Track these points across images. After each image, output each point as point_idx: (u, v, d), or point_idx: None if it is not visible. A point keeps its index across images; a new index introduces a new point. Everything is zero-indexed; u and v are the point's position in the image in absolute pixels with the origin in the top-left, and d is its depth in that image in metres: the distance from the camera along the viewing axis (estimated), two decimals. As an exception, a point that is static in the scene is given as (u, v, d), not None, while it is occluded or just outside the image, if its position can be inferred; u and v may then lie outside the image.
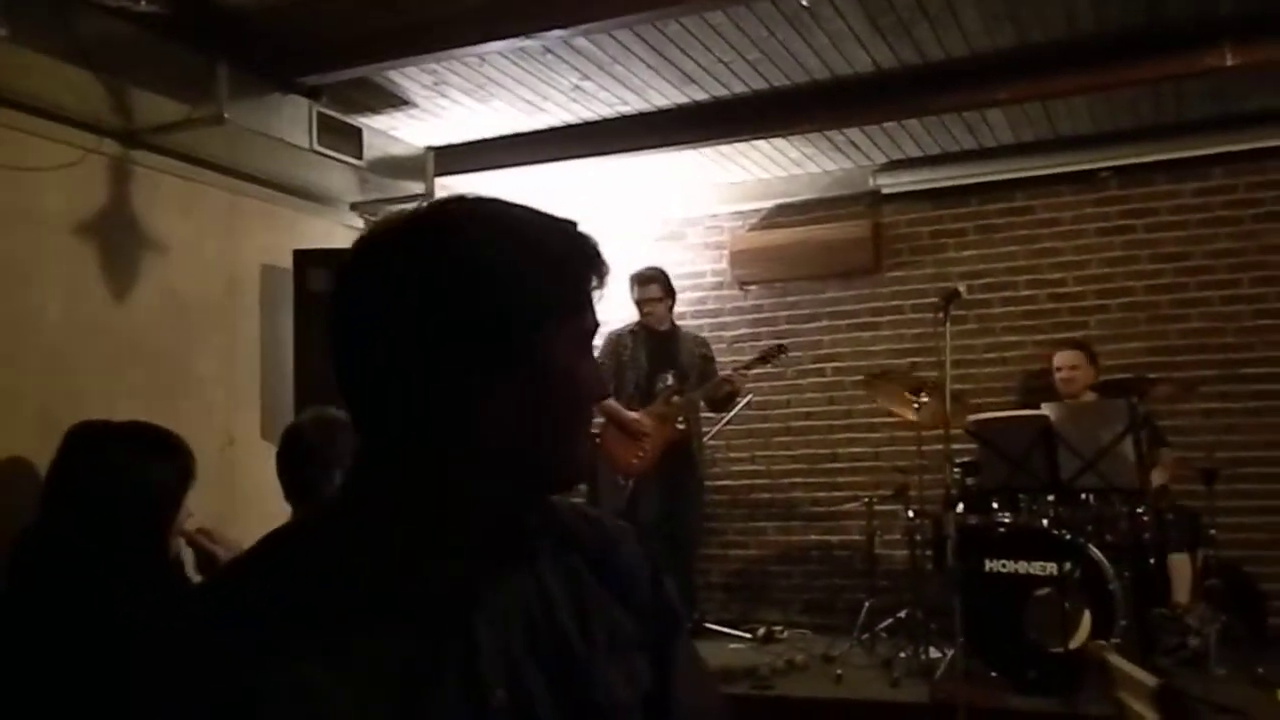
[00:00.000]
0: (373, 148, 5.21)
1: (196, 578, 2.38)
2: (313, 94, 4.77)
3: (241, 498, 4.63)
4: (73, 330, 4.20)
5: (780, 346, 5.86)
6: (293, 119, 4.70)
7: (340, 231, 5.58)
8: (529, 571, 1.08)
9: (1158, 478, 5.17)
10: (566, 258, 1.05)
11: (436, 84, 4.96)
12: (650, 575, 1.19)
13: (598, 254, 1.07)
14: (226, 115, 4.32)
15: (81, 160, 4.16)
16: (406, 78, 4.88)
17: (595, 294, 1.07)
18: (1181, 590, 5.01)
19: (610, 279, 1.09)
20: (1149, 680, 1.98)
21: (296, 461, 2.44)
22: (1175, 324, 5.95)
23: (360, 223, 5.71)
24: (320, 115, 4.80)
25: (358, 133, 5.06)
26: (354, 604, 0.98)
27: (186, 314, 4.72)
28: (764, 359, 5.79)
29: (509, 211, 1.07)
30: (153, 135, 4.43)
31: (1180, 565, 5.04)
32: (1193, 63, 4.63)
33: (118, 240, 4.38)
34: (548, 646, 1.05)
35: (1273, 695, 4.23)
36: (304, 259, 4.86)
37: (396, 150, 5.48)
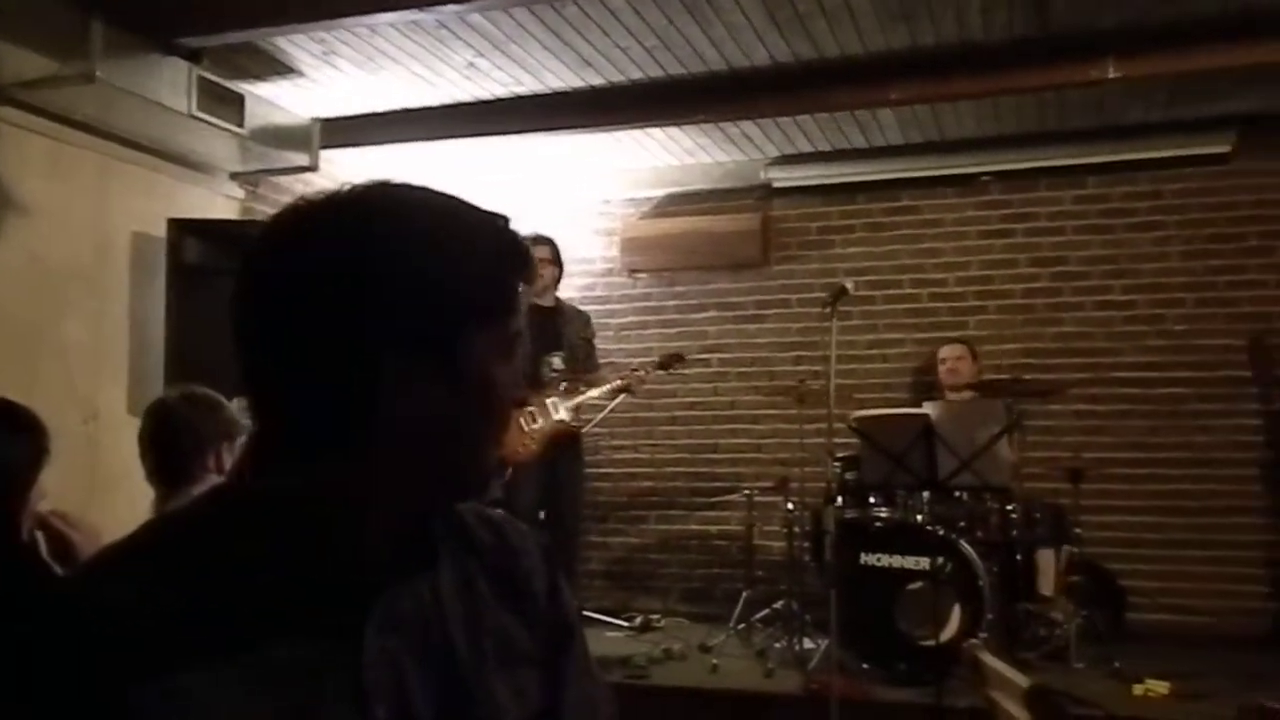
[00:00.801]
0: (256, 116, 5.02)
1: (53, 565, 2.25)
2: (193, 57, 4.57)
3: (104, 475, 4.43)
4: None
5: (678, 355, 5.78)
6: (171, 82, 4.49)
7: (220, 201, 5.37)
8: (426, 579, 1.02)
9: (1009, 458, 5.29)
10: (495, 258, 1.00)
11: (325, 53, 4.80)
12: (548, 585, 1.13)
13: (526, 254, 1.03)
14: (99, 74, 4.12)
15: (-61, 114, 3.93)
16: (294, 45, 4.71)
17: (521, 296, 1.02)
18: (1046, 585, 5.15)
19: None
20: (1021, 680, 2.01)
21: (165, 442, 2.31)
22: (1050, 327, 6.11)
23: (241, 193, 5.51)
24: (201, 79, 4.60)
25: (240, 99, 4.86)
26: (239, 608, 0.91)
27: (50, 280, 4.49)
28: (663, 365, 5.71)
29: (438, 203, 1.01)
30: (20, 91, 4.18)
31: (1046, 561, 5.18)
32: (1077, 73, 4.73)
33: (-21, 201, 4.15)
34: (436, 658, 1.00)
35: (1129, 689, 4.38)
36: (180, 228, 4.66)
37: (281, 120, 5.29)
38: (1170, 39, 4.57)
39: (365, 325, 0.92)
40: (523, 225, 5.75)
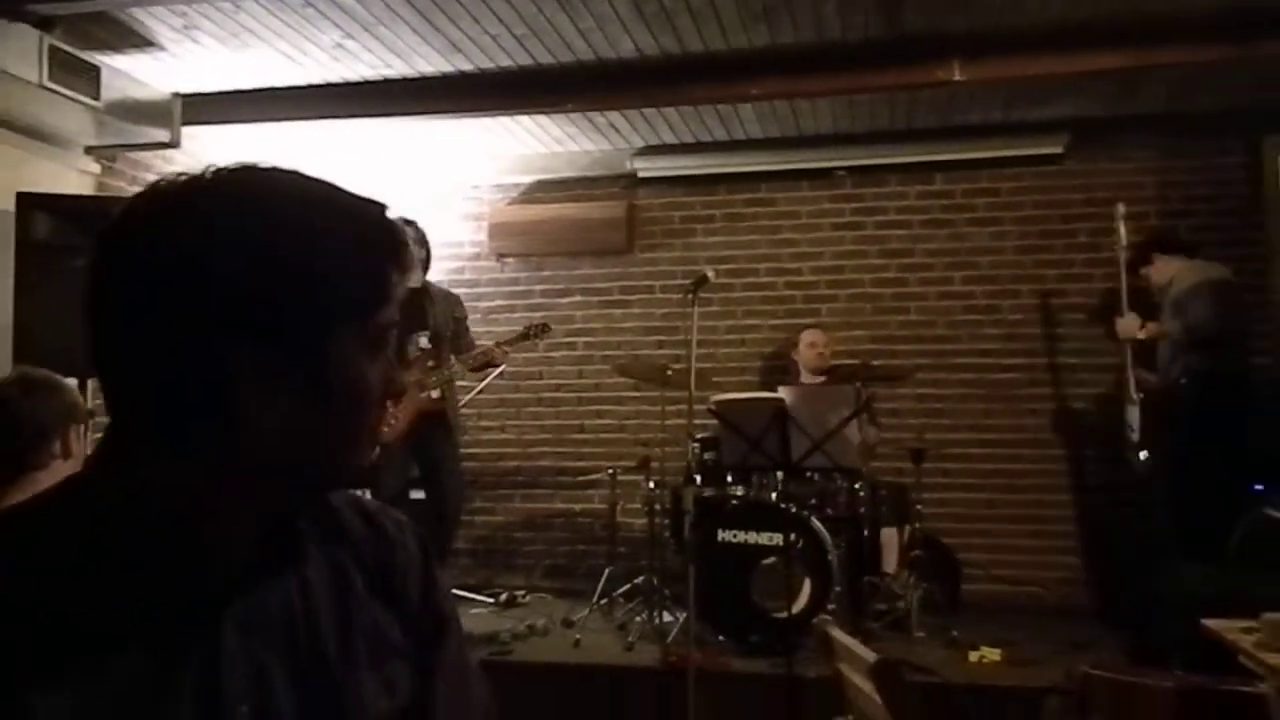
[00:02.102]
0: (112, 89, 4.72)
1: None
2: (45, 25, 4.26)
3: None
4: None
5: (545, 325, 5.63)
6: (20, 51, 4.18)
7: (73, 176, 5.06)
8: (292, 572, 0.95)
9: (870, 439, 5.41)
10: (368, 248, 0.92)
11: (186, 27, 4.55)
12: (422, 578, 1.06)
13: (401, 243, 0.95)
14: (-60, 40, 3.81)
15: None
16: (153, 17, 4.44)
17: (395, 288, 0.93)
18: (890, 561, 5.28)
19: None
20: (868, 655, 2.02)
21: (5, 431, 2.13)
22: (896, 315, 6.24)
23: (96, 168, 5.20)
24: (52, 48, 4.29)
25: (95, 71, 4.56)
26: (87, 615, 0.82)
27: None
28: (527, 335, 5.55)
29: (306, 189, 0.92)
30: None
31: (890, 538, 5.30)
32: (926, 75, 4.81)
33: None
34: (303, 654, 0.93)
35: (965, 656, 4.51)
36: (29, 202, 4.36)
37: (140, 94, 4.98)
38: (1011, 45, 4.68)
39: (222, 321, 0.83)
40: (390, 209, 5.65)
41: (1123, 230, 5.26)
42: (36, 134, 4.83)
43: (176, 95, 5.22)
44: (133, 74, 4.94)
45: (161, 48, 4.75)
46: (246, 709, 0.87)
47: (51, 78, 4.32)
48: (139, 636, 0.84)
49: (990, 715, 4.05)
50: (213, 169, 0.90)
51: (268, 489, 0.90)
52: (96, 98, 4.59)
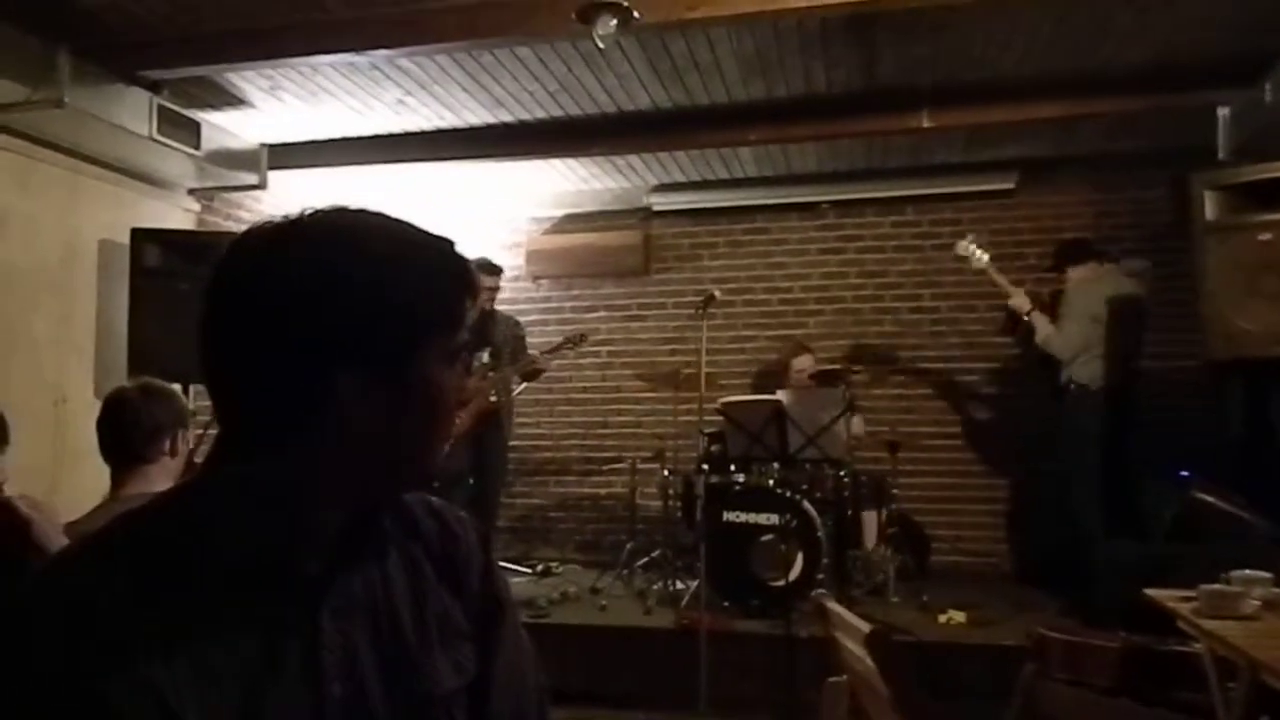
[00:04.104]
0: (210, 140, 4.73)
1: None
2: (154, 87, 4.27)
3: (71, 451, 4.15)
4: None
5: (582, 336, 5.61)
6: (133, 109, 4.19)
7: (178, 214, 5.08)
8: (377, 564, 0.93)
9: (855, 432, 5.35)
10: (445, 278, 0.90)
11: (272, 88, 4.55)
12: (482, 565, 1.04)
13: (473, 276, 0.95)
14: (67, 100, 3.81)
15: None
16: (244, 80, 4.45)
17: (467, 312, 0.93)
18: (870, 537, 5.24)
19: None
20: (862, 626, 1.98)
21: (122, 427, 2.13)
22: (873, 327, 6.19)
23: (197, 206, 5.21)
24: (160, 107, 4.31)
25: (196, 126, 4.58)
26: (203, 599, 0.81)
27: (22, 283, 4.18)
28: (568, 344, 5.53)
29: (392, 229, 0.90)
30: (-5, 114, 3.87)
31: (869, 518, 5.27)
32: (899, 123, 4.79)
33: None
34: (386, 638, 0.91)
35: (935, 617, 4.47)
36: (141, 236, 4.37)
37: (233, 144, 5.00)
38: (970, 97, 4.65)
39: (325, 340, 0.82)
40: (474, 251, 5.57)
41: (972, 258, 5.18)
42: (147, 178, 4.85)
43: (264, 145, 5.23)
44: (227, 127, 4.95)
45: (251, 105, 4.75)
46: (339, 687, 0.86)
47: (160, 131, 4.34)
48: (250, 617, 0.83)
49: (958, 667, 4.01)
50: (309, 210, 0.89)
51: (358, 485, 0.89)
52: (197, 148, 4.61)
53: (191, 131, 4.55)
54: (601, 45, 3.10)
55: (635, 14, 3.04)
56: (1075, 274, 4.98)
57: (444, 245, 0.92)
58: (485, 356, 5.43)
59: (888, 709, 1.88)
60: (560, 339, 5.60)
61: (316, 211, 0.89)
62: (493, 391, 5.38)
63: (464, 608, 1.00)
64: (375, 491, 0.92)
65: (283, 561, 0.85)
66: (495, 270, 5.45)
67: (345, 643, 0.87)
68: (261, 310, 0.83)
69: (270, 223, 0.88)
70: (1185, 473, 4.54)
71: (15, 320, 4.18)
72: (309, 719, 0.84)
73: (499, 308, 5.77)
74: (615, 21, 3.00)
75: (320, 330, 0.82)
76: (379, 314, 0.84)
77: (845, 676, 2.21)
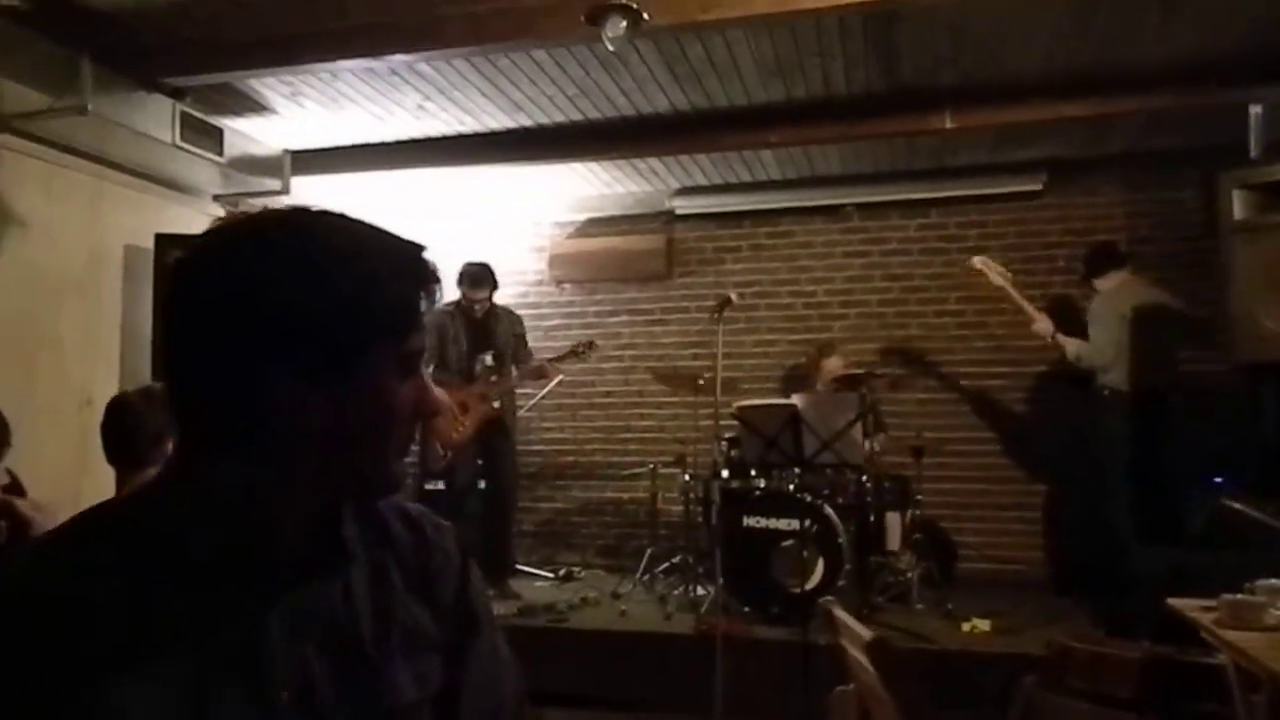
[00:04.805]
0: (234, 146, 4.79)
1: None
2: (177, 94, 4.33)
3: (96, 451, 4.14)
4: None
5: (590, 343, 5.57)
6: (156, 116, 4.26)
7: (202, 219, 5.12)
8: (339, 573, 0.91)
9: (872, 446, 5.30)
10: (402, 281, 0.87)
11: (293, 94, 4.59)
12: (458, 578, 1.01)
13: (434, 277, 0.90)
14: (90, 107, 3.88)
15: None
16: (265, 86, 4.49)
17: (424, 316, 0.90)
18: (893, 542, 5.15)
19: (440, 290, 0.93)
20: (865, 633, 1.95)
21: (122, 431, 2.14)
22: (898, 330, 6.12)
23: (221, 212, 5.27)
24: (183, 114, 4.37)
25: (219, 132, 4.64)
26: (153, 604, 0.81)
27: (48, 287, 4.25)
28: (575, 353, 5.49)
29: (352, 228, 0.88)
30: (19, 121, 3.95)
31: (893, 522, 5.18)
32: (921, 123, 4.73)
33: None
34: (342, 647, 0.89)
35: (959, 626, 4.39)
36: (164, 241, 4.45)
37: (256, 150, 5.05)
38: (994, 97, 4.59)
39: (274, 338, 0.81)
40: (467, 252, 5.55)
41: (989, 273, 5.21)
42: (171, 185, 4.91)
43: (286, 151, 5.28)
44: (250, 134, 5.01)
45: (274, 111, 4.80)
46: (288, 694, 0.84)
47: (183, 138, 4.41)
48: (200, 623, 0.82)
49: (979, 677, 3.93)
50: (269, 209, 0.88)
51: (310, 493, 0.87)
52: (220, 154, 4.67)
53: (214, 138, 4.60)
54: (611, 47, 3.09)
55: (645, 15, 3.02)
56: (1103, 284, 4.95)
57: (399, 245, 0.89)
58: (488, 359, 5.38)
59: (893, 717, 1.84)
60: (570, 347, 5.57)
61: (276, 210, 0.88)
62: (495, 397, 5.33)
63: (435, 619, 0.97)
64: (330, 499, 0.90)
65: (231, 570, 0.84)
66: (489, 279, 5.36)
67: (293, 651, 0.85)
68: (201, 309, 0.82)
69: (227, 220, 0.88)
70: (1219, 479, 4.43)
71: (42, 324, 4.25)
72: None
73: (499, 301, 5.71)
74: (625, 23, 2.99)
75: (259, 331, 0.81)
76: (321, 315, 0.82)
77: (853, 685, 2.18)
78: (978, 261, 5.25)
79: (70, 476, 4.15)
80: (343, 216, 0.89)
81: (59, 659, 0.77)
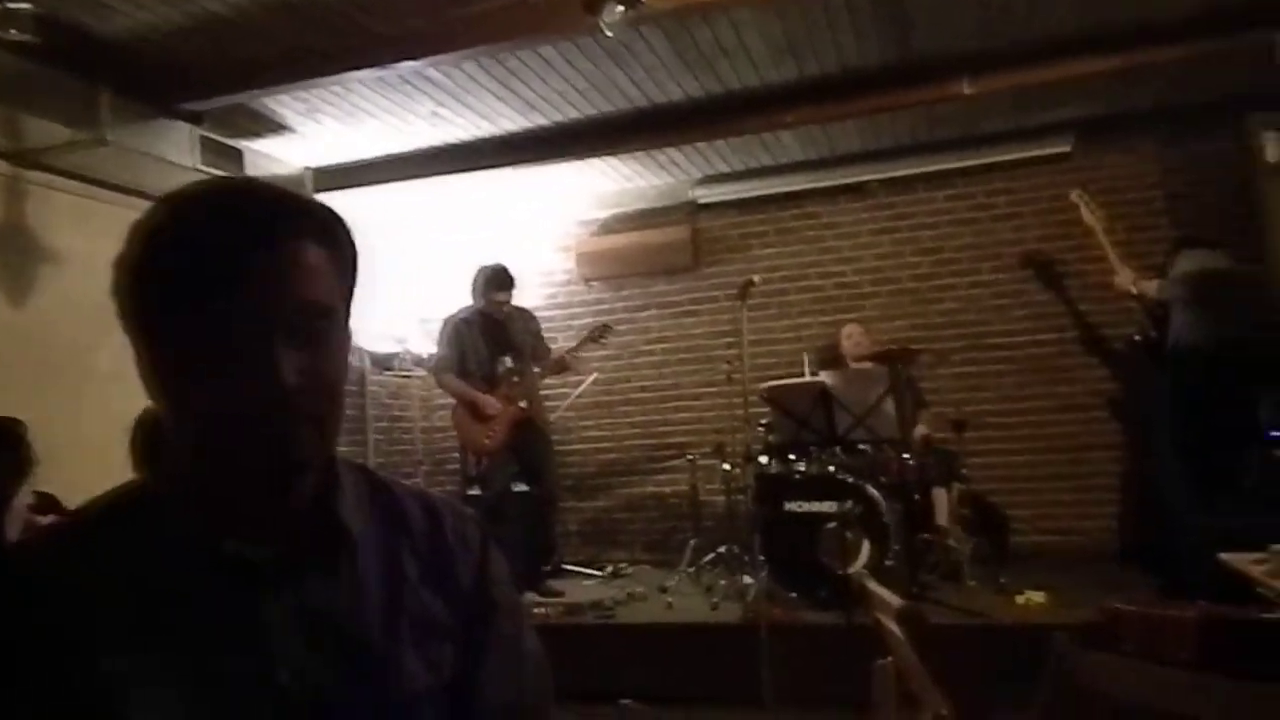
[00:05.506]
0: (255, 167, 4.86)
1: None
2: (195, 119, 4.41)
3: (139, 478, 4.27)
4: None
5: (605, 326, 5.49)
6: (176, 142, 4.33)
7: (230, 241, 5.21)
8: (347, 558, 0.89)
9: (921, 430, 5.22)
10: (205, 230, 0.81)
11: (310, 111, 4.64)
12: (477, 566, 0.99)
13: (244, 223, 0.82)
14: (110, 138, 3.95)
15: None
16: (282, 105, 4.55)
17: (253, 269, 0.80)
18: (942, 517, 5.07)
19: (269, 254, 0.80)
20: (895, 601, 1.91)
21: (151, 447, 2.16)
22: (932, 305, 6.02)
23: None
24: (203, 138, 4.44)
25: (239, 154, 4.71)
26: (153, 587, 0.81)
27: (84, 316, 4.29)
28: (592, 338, 5.42)
29: (188, 191, 0.86)
30: (42, 155, 4.01)
31: (940, 497, 5.09)
32: (938, 92, 4.65)
33: (15, 251, 3.97)
34: (346, 632, 0.87)
35: (1011, 600, 4.31)
36: (192, 266, 4.49)
37: (278, 170, 5.12)
38: (1012, 59, 4.50)
39: (138, 313, 0.83)
40: (495, 254, 5.51)
41: (1083, 207, 5.17)
42: (197, 209, 4.98)
43: (308, 168, 5.34)
44: (271, 153, 5.08)
45: (292, 130, 4.86)
46: (286, 674, 0.83)
47: (204, 161, 4.47)
48: (205, 607, 0.82)
49: (1033, 650, 3.84)
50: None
51: (209, 469, 0.84)
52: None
53: (235, 160, 4.67)
54: (610, 34, 3.07)
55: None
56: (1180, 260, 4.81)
57: (222, 198, 0.85)
58: (508, 361, 5.29)
59: (929, 687, 1.80)
60: (585, 334, 5.48)
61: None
62: (520, 398, 5.26)
63: (450, 607, 0.95)
64: (230, 483, 0.85)
65: (222, 552, 0.83)
66: (507, 282, 5.26)
67: (292, 634, 0.84)
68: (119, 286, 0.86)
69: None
70: (1275, 433, 4.29)
71: (83, 355, 4.32)
72: (258, 709, 0.82)
73: (529, 304, 5.68)
74: (621, 8, 2.96)
75: (137, 302, 0.83)
76: (138, 278, 0.82)
77: (890, 659, 2.14)
78: (1074, 195, 5.23)
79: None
80: (208, 182, 0.90)
81: (56, 639, 0.78)
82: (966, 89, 4.55)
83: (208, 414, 0.81)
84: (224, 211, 0.83)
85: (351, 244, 0.91)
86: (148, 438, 2.19)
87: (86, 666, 0.77)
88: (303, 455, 0.85)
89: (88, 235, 4.36)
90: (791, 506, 4.61)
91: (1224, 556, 2.59)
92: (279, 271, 0.82)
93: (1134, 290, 4.89)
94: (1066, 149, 5.67)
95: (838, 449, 4.66)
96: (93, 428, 4.32)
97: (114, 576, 0.81)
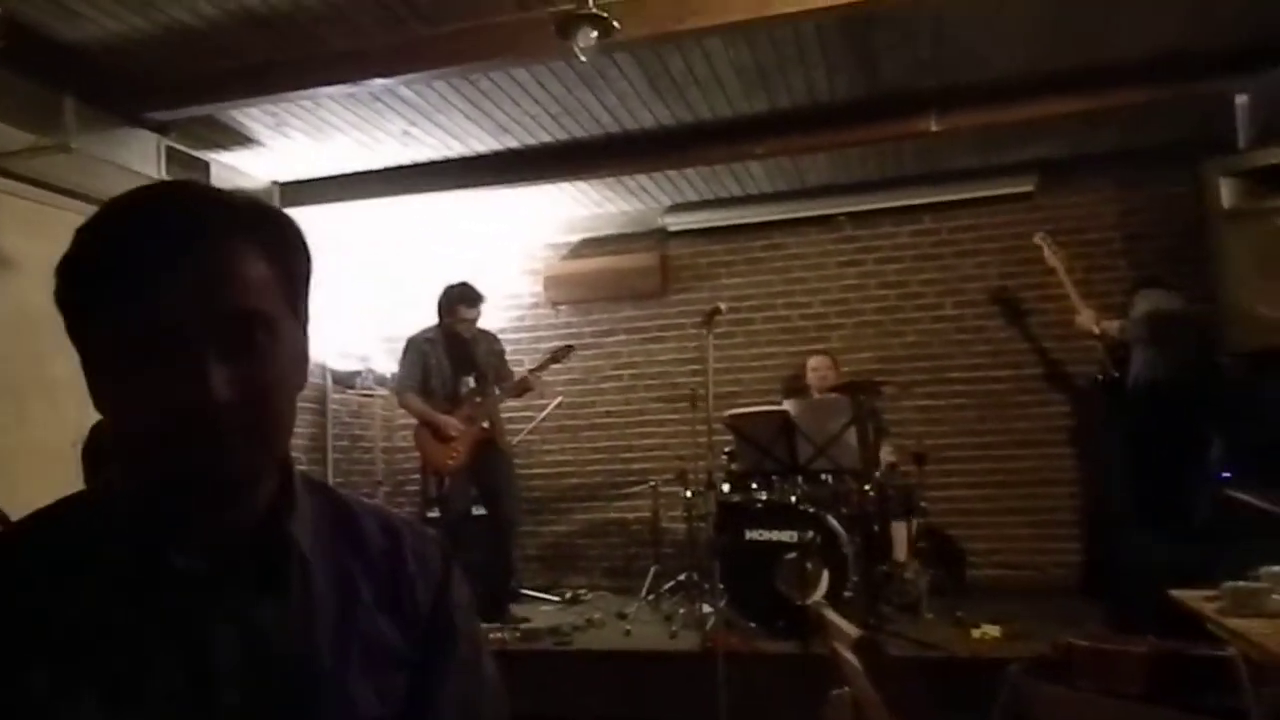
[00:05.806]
0: (221, 180, 4.80)
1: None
2: (161, 129, 4.35)
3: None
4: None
5: (568, 347, 5.51)
6: (141, 151, 4.27)
7: (193, 254, 5.14)
8: (298, 577, 0.85)
9: (885, 459, 5.25)
10: (109, 233, 0.78)
11: (278, 124, 4.61)
12: (436, 590, 0.94)
13: (172, 227, 0.77)
14: (74, 145, 3.89)
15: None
16: (250, 118, 4.52)
17: (155, 283, 0.76)
18: (900, 551, 5.08)
19: (171, 271, 0.75)
20: (853, 632, 1.91)
21: (100, 459, 2.13)
22: (896, 338, 6.08)
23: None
24: (169, 148, 4.39)
25: (205, 166, 4.66)
26: (89, 604, 0.78)
27: (37, 324, 4.22)
28: (554, 359, 5.41)
29: (126, 194, 0.81)
30: (3, 160, 3.94)
31: (899, 531, 5.11)
32: (906, 127, 4.73)
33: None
34: (293, 655, 0.83)
35: (968, 633, 4.32)
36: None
37: (244, 183, 5.07)
38: (979, 98, 4.59)
39: (72, 323, 0.81)
40: (461, 276, 5.47)
41: (1046, 249, 5.34)
42: (160, 220, 4.91)
43: (275, 183, 5.30)
44: (237, 167, 5.03)
45: (259, 143, 4.82)
46: (228, 693, 0.79)
47: (169, 172, 4.41)
48: (143, 627, 0.79)
49: (987, 682, 3.86)
50: None
51: (144, 484, 0.81)
52: (207, 188, 4.67)
53: (201, 171, 4.62)
54: (584, 58, 3.09)
55: (616, 24, 3.02)
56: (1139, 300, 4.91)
57: (153, 196, 0.81)
58: (471, 381, 5.24)
59: (885, 717, 1.79)
60: (548, 356, 5.46)
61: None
62: (483, 419, 5.23)
63: (405, 632, 0.91)
64: (164, 492, 0.81)
65: (172, 569, 0.80)
66: (476, 299, 5.22)
67: (235, 654, 0.81)
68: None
69: None
70: (1227, 474, 4.37)
71: (35, 363, 4.24)
72: None
73: (493, 327, 5.64)
74: (596, 34, 2.98)
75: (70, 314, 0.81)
76: (68, 282, 0.80)
77: (847, 689, 2.13)
78: (1038, 238, 5.39)
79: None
80: (141, 188, 0.84)
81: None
82: (934, 126, 4.64)
83: (138, 428, 0.78)
84: (151, 213, 0.79)
85: (300, 248, 0.87)
86: (99, 447, 2.15)
87: (7, 681, 0.75)
88: (236, 472, 0.80)
89: (45, 242, 4.28)
90: (752, 535, 4.60)
91: (1176, 593, 2.62)
92: (209, 277, 0.77)
93: (1096, 330, 4.98)
94: (1029, 188, 5.78)
95: (799, 478, 4.67)
96: (42, 438, 4.25)
97: (43, 590, 0.78)
